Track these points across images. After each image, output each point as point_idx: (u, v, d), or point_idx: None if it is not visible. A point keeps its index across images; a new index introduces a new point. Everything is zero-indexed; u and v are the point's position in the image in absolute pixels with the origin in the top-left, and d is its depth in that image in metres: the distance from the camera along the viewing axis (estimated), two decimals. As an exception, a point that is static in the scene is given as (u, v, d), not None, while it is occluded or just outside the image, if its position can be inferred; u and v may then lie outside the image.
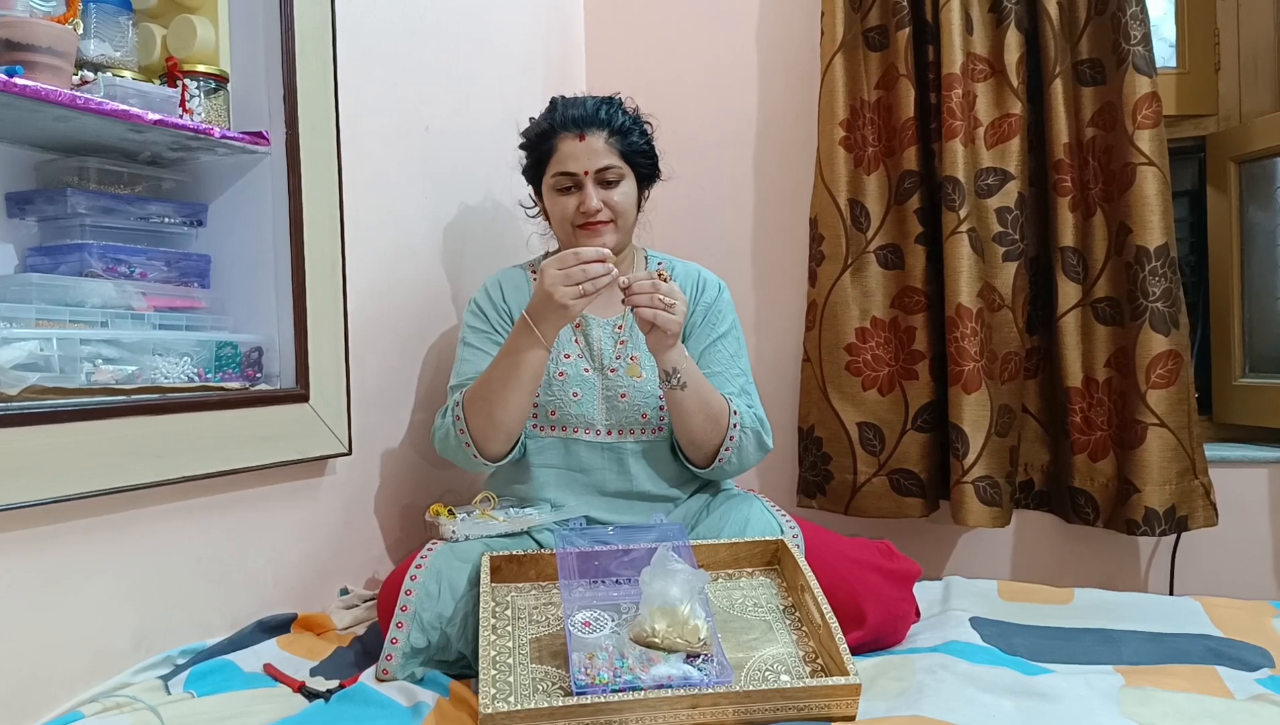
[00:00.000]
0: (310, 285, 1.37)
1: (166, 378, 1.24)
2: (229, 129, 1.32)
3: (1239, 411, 1.97)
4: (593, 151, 1.45)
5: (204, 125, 1.27)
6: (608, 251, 1.28)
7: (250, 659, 1.21)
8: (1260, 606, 1.41)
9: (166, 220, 1.34)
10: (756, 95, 2.15)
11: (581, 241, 1.46)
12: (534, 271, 1.58)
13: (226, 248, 1.38)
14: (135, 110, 1.17)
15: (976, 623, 1.35)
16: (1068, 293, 1.83)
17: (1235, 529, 1.84)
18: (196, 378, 1.27)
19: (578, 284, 1.26)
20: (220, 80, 1.32)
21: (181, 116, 1.26)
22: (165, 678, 1.14)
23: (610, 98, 1.50)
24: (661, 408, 1.45)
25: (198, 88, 1.29)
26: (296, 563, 1.44)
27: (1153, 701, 1.08)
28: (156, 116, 1.19)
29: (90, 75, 1.19)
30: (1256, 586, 1.85)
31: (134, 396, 1.17)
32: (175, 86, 1.28)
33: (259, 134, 1.34)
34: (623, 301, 1.32)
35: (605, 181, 1.46)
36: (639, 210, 1.55)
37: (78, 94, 1.10)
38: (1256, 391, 1.94)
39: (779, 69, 2.12)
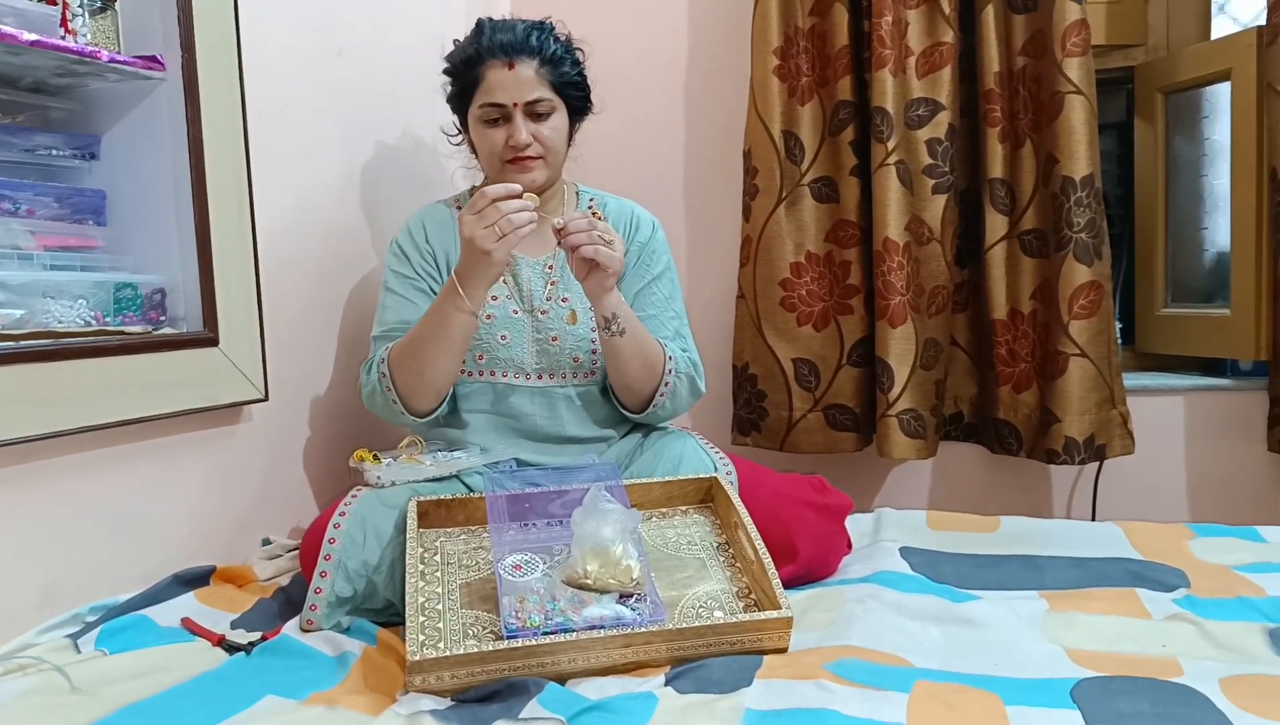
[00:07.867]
0: (215, 222, 1.29)
1: (60, 322, 1.16)
2: (119, 52, 1.22)
3: (1160, 341, 2.01)
4: (522, 82, 1.37)
5: (89, 48, 1.17)
6: (518, 187, 1.23)
7: (166, 614, 1.16)
8: (1177, 529, 1.46)
9: (55, 152, 1.24)
10: (687, 21, 2.08)
11: (510, 177, 1.40)
12: (459, 207, 1.51)
13: (123, 182, 1.29)
14: (8, 30, 1.07)
15: (906, 552, 1.37)
16: (995, 225, 1.83)
17: (1154, 455, 1.89)
18: (94, 322, 1.20)
19: (493, 225, 1.20)
20: (106, -2, 1.22)
21: (64, 38, 1.16)
22: (74, 636, 1.09)
23: (541, 23, 1.43)
24: (594, 352, 1.42)
25: (81, 6, 1.19)
26: (213, 514, 1.38)
27: (1075, 625, 1.11)
28: (33, 37, 1.09)
29: (-46, -10, 1.09)
30: (1173, 510, 1.91)
31: (23, 342, 1.09)
32: (55, 4, 1.17)
33: (152, 58, 1.24)
34: (559, 244, 1.27)
35: (535, 114, 1.39)
36: (570, 144, 1.49)
37: (-61, 10, 1.01)
38: (1177, 321, 1.98)
39: (711, -6, 2.06)
